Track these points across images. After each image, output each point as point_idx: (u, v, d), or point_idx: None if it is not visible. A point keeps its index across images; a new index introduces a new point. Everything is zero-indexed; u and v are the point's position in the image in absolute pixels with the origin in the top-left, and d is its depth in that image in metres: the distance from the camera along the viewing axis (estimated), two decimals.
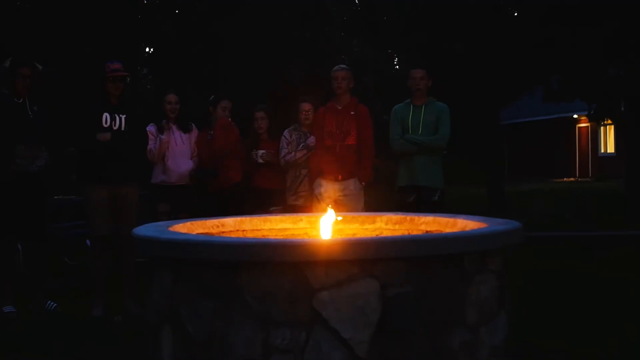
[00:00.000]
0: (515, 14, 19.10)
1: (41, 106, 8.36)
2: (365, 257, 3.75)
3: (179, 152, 9.41)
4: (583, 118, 33.62)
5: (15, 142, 8.08)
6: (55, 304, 8.32)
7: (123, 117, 8.38)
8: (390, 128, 9.03)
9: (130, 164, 8.45)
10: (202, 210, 8.92)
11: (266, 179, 9.48)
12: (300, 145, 9.21)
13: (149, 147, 9.20)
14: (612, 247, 12.35)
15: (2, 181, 8.10)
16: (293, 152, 9.21)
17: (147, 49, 27.80)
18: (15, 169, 8.08)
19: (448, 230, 5.05)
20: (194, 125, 9.63)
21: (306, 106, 9.39)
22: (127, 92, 8.71)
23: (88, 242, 9.07)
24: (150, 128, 9.30)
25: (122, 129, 8.37)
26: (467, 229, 4.80)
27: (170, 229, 4.70)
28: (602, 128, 36.04)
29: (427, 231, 5.22)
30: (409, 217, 5.57)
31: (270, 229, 5.57)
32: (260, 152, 9.49)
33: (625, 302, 7.99)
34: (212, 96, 9.94)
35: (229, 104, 9.70)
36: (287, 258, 3.75)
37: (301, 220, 5.68)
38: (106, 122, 8.29)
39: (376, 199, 10.30)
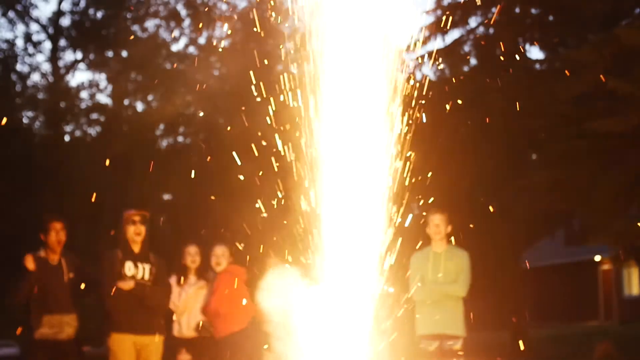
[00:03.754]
0: (535, 157, 19.14)
1: (76, 268, 8.39)
2: None
3: (196, 306, 9.29)
4: (606, 260, 33.34)
5: (41, 311, 8.09)
6: None
7: (147, 266, 8.28)
8: (409, 275, 8.83)
9: (154, 314, 8.34)
10: (217, 355, 8.80)
11: None
12: None
13: (172, 300, 9.08)
14: None
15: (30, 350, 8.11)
16: None
17: (165, 196, 28.06)
18: (41, 339, 8.05)
19: None
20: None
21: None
22: (149, 242, 8.50)
23: None
24: (171, 280, 9.20)
25: (145, 278, 8.26)
26: None
27: None
28: (625, 270, 35.69)
29: None
30: None
31: None
32: None
33: None
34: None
35: (224, 250, 9.41)
36: None
37: None
38: (129, 271, 8.20)
39: (394, 347, 9.98)
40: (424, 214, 9.33)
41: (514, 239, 19.65)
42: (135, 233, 8.28)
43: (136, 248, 8.31)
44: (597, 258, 35.91)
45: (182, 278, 9.32)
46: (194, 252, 9.35)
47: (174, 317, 9.32)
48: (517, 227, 18.92)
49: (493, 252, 20.02)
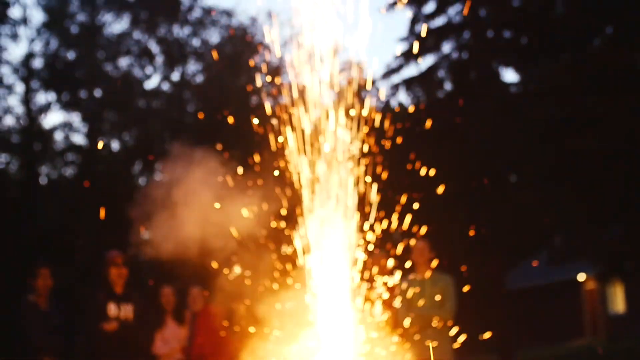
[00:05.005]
0: (516, 180, 19.16)
1: (62, 313, 8.58)
2: None
3: (171, 346, 9.31)
4: (589, 279, 33.38)
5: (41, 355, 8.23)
6: None
7: (129, 306, 8.40)
8: (396, 303, 8.78)
9: (139, 353, 8.46)
10: None
11: None
12: None
13: (156, 347, 9.16)
14: None
15: None
16: None
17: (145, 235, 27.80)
18: None
19: None
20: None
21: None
22: (131, 282, 8.69)
23: None
24: None
25: (129, 318, 8.37)
26: None
27: None
28: (610, 287, 35.67)
29: None
30: None
31: None
32: None
33: None
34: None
35: (198, 291, 9.48)
36: None
37: None
38: (112, 312, 8.30)
39: None
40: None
41: (497, 261, 19.62)
42: (118, 274, 8.43)
43: (118, 289, 8.45)
44: (581, 277, 35.90)
45: (161, 321, 9.36)
46: (167, 293, 9.47)
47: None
48: (499, 249, 18.90)
49: (476, 275, 20.00)
